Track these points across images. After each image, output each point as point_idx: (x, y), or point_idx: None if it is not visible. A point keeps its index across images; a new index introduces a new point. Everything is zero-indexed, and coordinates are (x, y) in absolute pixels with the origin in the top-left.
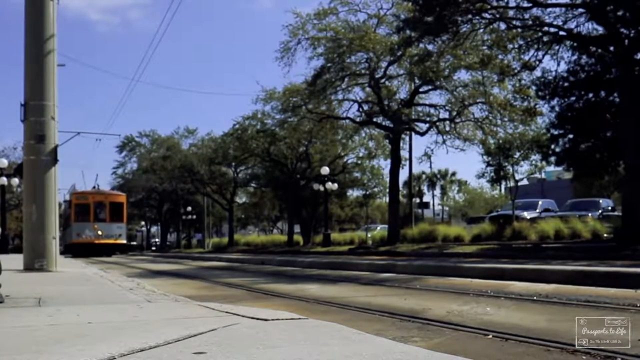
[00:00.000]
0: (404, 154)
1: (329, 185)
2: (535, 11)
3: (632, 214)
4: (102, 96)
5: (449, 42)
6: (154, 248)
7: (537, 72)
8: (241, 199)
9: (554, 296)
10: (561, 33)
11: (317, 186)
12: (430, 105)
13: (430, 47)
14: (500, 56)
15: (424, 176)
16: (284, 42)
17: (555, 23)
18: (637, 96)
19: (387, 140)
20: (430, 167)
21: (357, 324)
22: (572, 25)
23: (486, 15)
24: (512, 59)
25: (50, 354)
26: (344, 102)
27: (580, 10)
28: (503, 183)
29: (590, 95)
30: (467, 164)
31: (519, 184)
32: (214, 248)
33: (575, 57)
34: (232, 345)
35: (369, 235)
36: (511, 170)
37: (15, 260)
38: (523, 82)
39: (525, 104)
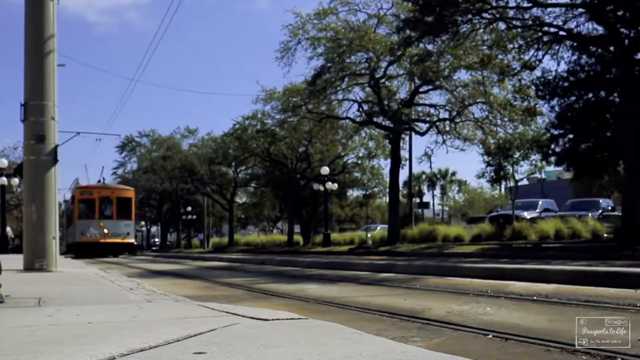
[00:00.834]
0: (404, 154)
1: (329, 185)
2: (535, 11)
3: (632, 214)
4: (102, 96)
5: (449, 42)
6: (154, 248)
7: (537, 72)
8: (241, 199)
9: (554, 296)
10: (561, 33)
11: (317, 186)
12: (430, 105)
13: (430, 47)
14: (500, 56)
15: (424, 176)
16: (284, 42)
17: (555, 23)
18: (637, 96)
19: (387, 140)
20: (430, 167)
21: (357, 324)
22: (572, 25)
23: (486, 15)
24: (512, 58)
25: (51, 354)
26: (344, 102)
27: (580, 10)
28: (503, 183)
29: (590, 95)
30: (467, 164)
31: (519, 184)
32: (214, 248)
33: (575, 57)
34: (232, 345)
35: (369, 235)
36: (511, 170)
37: (15, 260)
38: (523, 82)
39: (525, 104)
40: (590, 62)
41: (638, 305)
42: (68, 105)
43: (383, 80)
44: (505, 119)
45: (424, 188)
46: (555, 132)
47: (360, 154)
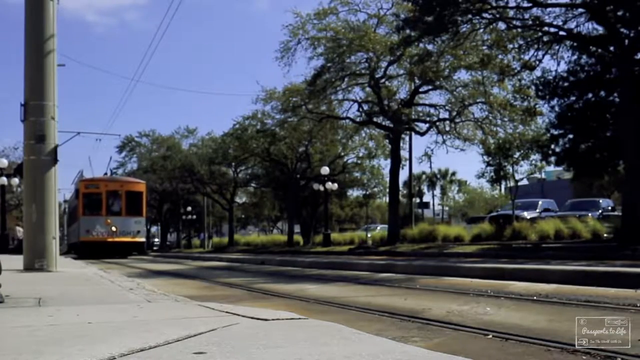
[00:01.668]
0: (404, 154)
1: (329, 185)
2: (535, 11)
3: (632, 214)
4: (102, 96)
5: (448, 42)
6: (155, 248)
7: (537, 72)
8: (241, 199)
9: (554, 296)
10: (561, 33)
11: (317, 186)
12: (430, 105)
13: (430, 47)
14: (500, 56)
15: (424, 176)
16: (284, 42)
17: (555, 23)
18: (637, 96)
19: (387, 140)
20: (430, 167)
21: (357, 324)
22: (572, 25)
23: (486, 15)
24: (512, 58)
25: (51, 354)
26: (344, 102)
27: (580, 10)
28: (503, 183)
29: (590, 95)
30: (467, 164)
31: (519, 184)
32: (214, 248)
33: (575, 57)
34: (232, 345)
35: (369, 235)
36: (511, 170)
37: (15, 260)
38: (523, 82)
39: (525, 104)
40: (590, 62)
41: (638, 305)
42: (68, 105)
43: (383, 80)
44: (505, 119)
45: (424, 188)
46: (555, 132)
47: (360, 154)
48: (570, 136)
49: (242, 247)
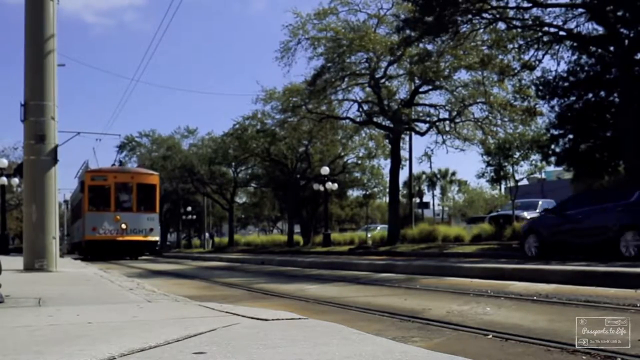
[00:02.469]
0: (404, 154)
1: (329, 185)
2: (535, 11)
3: None
4: (102, 96)
5: (448, 42)
6: (157, 247)
7: (537, 72)
8: (241, 199)
9: (554, 296)
10: (561, 33)
11: (317, 186)
12: (430, 105)
13: (430, 47)
14: (500, 56)
15: (424, 176)
16: (284, 42)
17: (555, 23)
18: (636, 96)
19: (387, 140)
20: (430, 167)
21: (357, 324)
22: (572, 25)
23: (486, 15)
24: (512, 59)
25: (51, 354)
26: (344, 102)
27: (580, 10)
28: (503, 183)
29: (590, 95)
30: (467, 164)
31: (519, 184)
32: (214, 248)
33: (575, 57)
34: (232, 345)
35: (369, 235)
36: (511, 170)
37: (15, 261)
38: (523, 82)
39: (525, 104)
40: (590, 62)
41: (638, 305)
42: (68, 105)
43: (383, 80)
44: (505, 119)
45: (424, 188)
46: (555, 132)
47: (360, 154)
48: (570, 136)
49: (242, 247)
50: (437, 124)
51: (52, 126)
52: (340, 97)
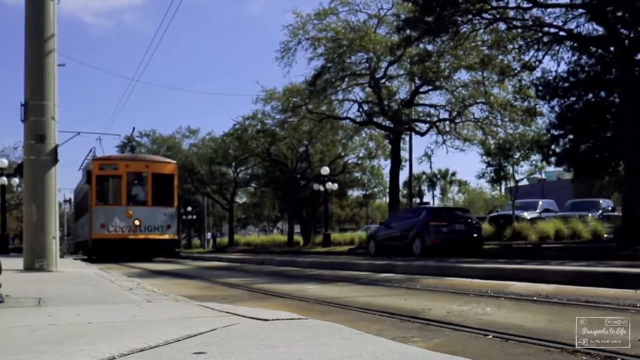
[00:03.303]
0: (404, 154)
1: (329, 185)
2: (535, 11)
3: (632, 214)
4: (102, 96)
5: (449, 42)
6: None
7: (537, 73)
8: (241, 199)
9: (554, 296)
10: (561, 33)
11: (317, 186)
12: (431, 106)
13: (430, 47)
14: (500, 56)
15: (424, 176)
16: (284, 42)
17: (555, 23)
18: (637, 96)
19: (387, 141)
20: (430, 167)
21: (357, 324)
22: (572, 25)
23: (486, 15)
24: (512, 59)
25: (51, 354)
26: (344, 102)
27: (580, 10)
28: (503, 183)
29: (590, 95)
30: (467, 164)
31: (519, 184)
32: (214, 248)
33: (575, 57)
34: (232, 345)
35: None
36: (511, 170)
37: (15, 260)
38: (523, 82)
39: (526, 104)
40: (591, 62)
41: (638, 305)
42: (68, 105)
43: (383, 80)
44: (506, 119)
45: (424, 188)
46: (556, 133)
47: (361, 154)
48: (571, 136)
49: (242, 247)
50: (437, 124)
51: (52, 126)
52: (340, 97)
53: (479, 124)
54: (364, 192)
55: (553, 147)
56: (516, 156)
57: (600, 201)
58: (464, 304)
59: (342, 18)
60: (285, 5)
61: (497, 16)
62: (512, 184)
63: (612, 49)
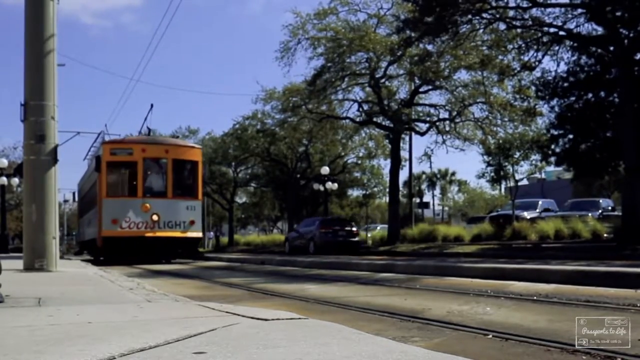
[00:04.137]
0: (404, 154)
1: (329, 185)
2: (535, 11)
3: (632, 214)
4: (102, 96)
5: (448, 42)
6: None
7: (537, 73)
8: (241, 198)
9: (554, 296)
10: (561, 33)
11: (317, 186)
12: (430, 105)
13: (430, 47)
14: (500, 56)
15: (424, 176)
16: (284, 42)
17: (555, 23)
18: (636, 96)
19: (387, 140)
20: (430, 167)
21: (357, 324)
22: (571, 25)
23: (486, 15)
24: (512, 59)
25: (51, 354)
26: (344, 102)
27: (580, 10)
28: (503, 183)
29: (590, 95)
30: (467, 164)
31: (519, 184)
32: (214, 248)
33: (574, 57)
34: (232, 345)
35: (369, 235)
36: (511, 170)
37: (15, 261)
38: (523, 82)
39: (525, 104)
40: (590, 62)
41: (638, 305)
42: (68, 105)
43: (383, 80)
44: (506, 119)
45: (424, 188)
46: (555, 132)
47: (360, 154)
48: (570, 136)
49: (242, 247)
50: (437, 124)
51: (52, 126)
52: (340, 97)
53: (479, 123)
54: (364, 192)
55: (553, 147)
56: (516, 156)
57: (600, 201)
58: (464, 304)
59: (341, 18)
60: (284, 5)
61: (497, 16)
62: (512, 183)
63: (611, 48)
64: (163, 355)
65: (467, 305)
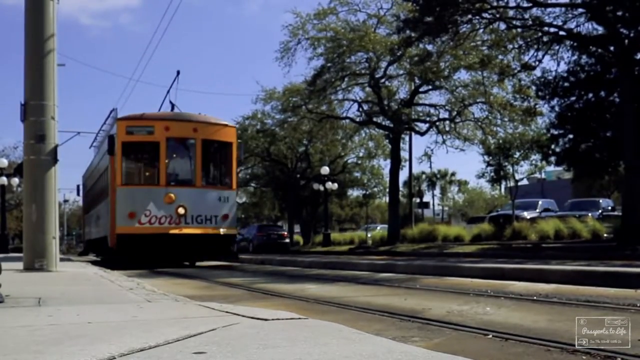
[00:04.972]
0: (404, 154)
1: (329, 185)
2: (535, 11)
3: (632, 214)
4: (102, 96)
5: (448, 42)
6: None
7: (537, 72)
8: (241, 199)
9: (554, 296)
10: (561, 33)
11: (317, 186)
12: (430, 105)
13: (430, 47)
14: (500, 56)
15: (423, 176)
16: (284, 42)
17: (555, 23)
18: (636, 96)
19: (387, 140)
20: (430, 167)
21: (357, 324)
22: (572, 25)
23: (486, 15)
24: (512, 59)
25: (51, 354)
26: (344, 102)
27: (580, 10)
28: (503, 183)
29: (590, 95)
30: (467, 164)
31: (519, 184)
32: None
33: (575, 57)
34: (232, 345)
35: (369, 235)
36: (511, 170)
37: (15, 260)
38: (523, 82)
39: (525, 104)
40: (590, 62)
41: (638, 305)
42: (68, 105)
43: (383, 80)
44: (505, 119)
45: (424, 188)
46: (555, 132)
47: (360, 154)
48: (570, 136)
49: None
50: (437, 124)
51: (52, 126)
52: (340, 97)
53: (479, 123)
54: (364, 192)
55: (553, 146)
56: (516, 156)
57: (600, 201)
58: (463, 304)
59: (341, 18)
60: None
61: (497, 16)
62: (512, 183)
63: (611, 48)
64: (163, 355)
65: (467, 305)
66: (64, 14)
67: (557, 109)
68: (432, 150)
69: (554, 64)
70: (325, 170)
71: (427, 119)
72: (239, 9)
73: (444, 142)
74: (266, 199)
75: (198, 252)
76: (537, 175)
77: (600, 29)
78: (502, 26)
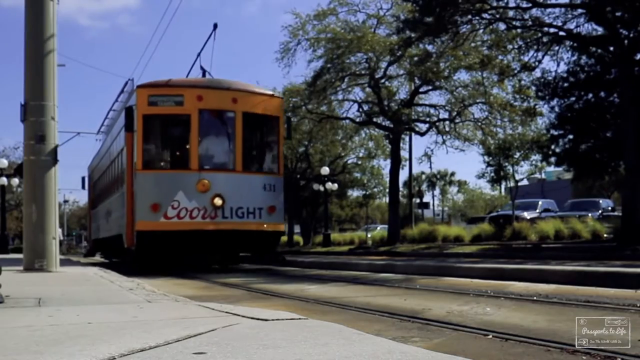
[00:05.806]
0: (404, 154)
1: (329, 185)
2: (535, 12)
3: (632, 214)
4: (102, 96)
5: (448, 42)
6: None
7: (537, 73)
8: None
9: (554, 296)
10: (561, 33)
11: (317, 186)
12: (430, 106)
13: (430, 47)
14: (500, 57)
15: (423, 176)
16: (283, 43)
17: (555, 23)
18: (636, 96)
19: (387, 141)
20: (430, 167)
21: (357, 324)
22: (571, 25)
23: (486, 15)
24: (512, 59)
25: (51, 354)
26: (344, 102)
27: (580, 10)
28: (503, 183)
29: (590, 95)
30: (467, 164)
31: (519, 184)
32: None
33: (575, 57)
34: (231, 345)
35: (369, 235)
36: (511, 170)
37: (15, 261)
38: (523, 82)
39: (525, 104)
40: (590, 62)
41: (638, 305)
42: (68, 105)
43: (383, 80)
44: (505, 120)
45: (424, 188)
46: (555, 133)
47: (360, 154)
48: (571, 137)
49: None
50: (437, 124)
51: (52, 126)
52: (340, 97)
53: (479, 124)
54: (364, 192)
55: (553, 147)
56: (516, 156)
57: (600, 201)
58: (463, 304)
59: (341, 18)
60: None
61: (497, 16)
62: (512, 184)
63: (611, 48)
64: (163, 355)
65: (467, 305)
66: (63, 15)
67: (557, 109)
68: (432, 150)
69: (554, 64)
70: (325, 170)
71: (427, 119)
72: (238, 10)
73: (443, 142)
74: None
75: (239, 249)
76: (537, 175)
77: (600, 30)
78: (502, 26)
